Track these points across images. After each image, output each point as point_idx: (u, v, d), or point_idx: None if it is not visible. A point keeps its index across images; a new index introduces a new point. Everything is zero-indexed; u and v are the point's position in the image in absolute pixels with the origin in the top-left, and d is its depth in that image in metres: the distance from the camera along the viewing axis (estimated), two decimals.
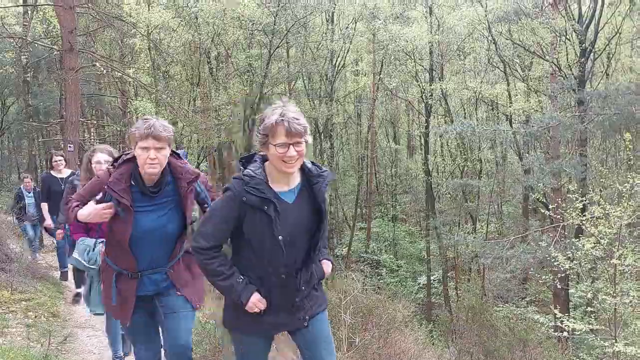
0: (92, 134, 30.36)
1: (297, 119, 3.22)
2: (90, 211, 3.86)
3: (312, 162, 3.53)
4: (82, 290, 7.56)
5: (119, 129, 25.72)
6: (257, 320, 3.51)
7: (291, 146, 3.22)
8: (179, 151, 4.10)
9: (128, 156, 3.93)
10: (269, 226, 3.31)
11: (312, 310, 3.61)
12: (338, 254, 29.35)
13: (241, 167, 3.42)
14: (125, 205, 3.81)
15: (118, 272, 4.01)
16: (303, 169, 3.47)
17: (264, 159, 3.44)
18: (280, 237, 3.32)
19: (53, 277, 11.28)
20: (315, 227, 3.49)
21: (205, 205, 4.18)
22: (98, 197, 3.92)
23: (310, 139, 3.33)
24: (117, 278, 4.02)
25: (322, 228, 3.50)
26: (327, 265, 3.74)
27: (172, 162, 3.98)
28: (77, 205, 3.98)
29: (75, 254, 5.08)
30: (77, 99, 15.84)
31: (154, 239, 3.94)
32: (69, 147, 14.75)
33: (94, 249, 5.09)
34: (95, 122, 30.51)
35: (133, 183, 3.86)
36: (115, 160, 3.98)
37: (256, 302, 3.42)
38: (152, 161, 3.74)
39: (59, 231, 8.76)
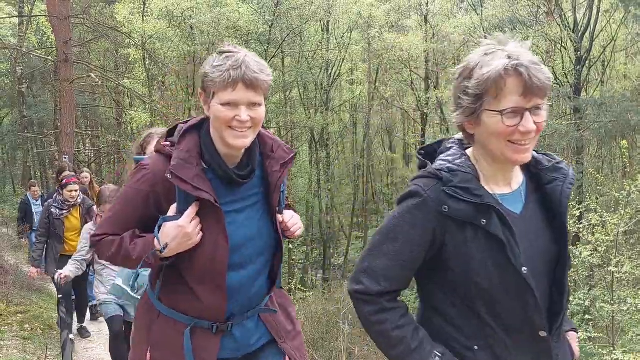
0: (86, 145, 30.35)
1: (537, 66, 1.78)
2: (172, 235, 2.19)
3: (536, 150, 2.04)
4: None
5: (113, 139, 25.71)
6: None
7: (527, 113, 1.78)
8: None
9: (192, 122, 2.38)
10: (496, 254, 1.84)
11: None
12: (335, 263, 29.30)
13: (424, 160, 2.01)
14: (208, 202, 2.22)
15: (193, 325, 2.35)
16: None
17: (463, 144, 2.03)
18: (524, 270, 1.83)
19: (49, 289, 11.22)
20: (555, 254, 1.96)
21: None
22: (172, 212, 2.26)
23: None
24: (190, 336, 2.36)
25: (566, 258, 1.96)
26: (574, 340, 2.15)
27: (260, 131, 2.40)
28: (135, 237, 2.31)
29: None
30: (72, 109, 15.84)
31: (248, 260, 2.38)
32: (64, 157, 14.72)
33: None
34: (90, 133, 30.48)
35: (205, 166, 2.28)
36: (171, 131, 2.41)
37: None
38: (241, 125, 2.17)
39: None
